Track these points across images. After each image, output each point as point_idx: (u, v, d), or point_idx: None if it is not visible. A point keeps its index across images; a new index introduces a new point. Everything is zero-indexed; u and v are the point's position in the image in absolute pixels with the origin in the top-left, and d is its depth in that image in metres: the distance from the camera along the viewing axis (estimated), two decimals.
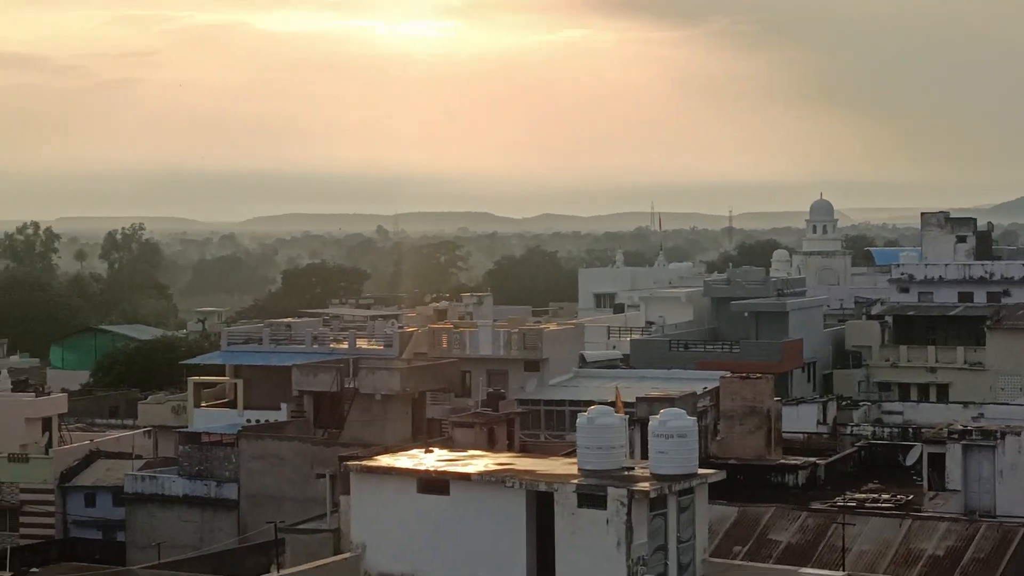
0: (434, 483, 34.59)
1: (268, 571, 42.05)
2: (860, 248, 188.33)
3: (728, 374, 54.93)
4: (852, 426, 60.78)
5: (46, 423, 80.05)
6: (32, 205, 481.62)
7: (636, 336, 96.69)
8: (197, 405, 77.20)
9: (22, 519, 72.23)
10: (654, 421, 34.33)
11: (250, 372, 77.27)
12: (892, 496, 45.97)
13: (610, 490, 31.99)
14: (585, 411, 34.89)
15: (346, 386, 69.61)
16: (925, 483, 46.60)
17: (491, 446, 45.68)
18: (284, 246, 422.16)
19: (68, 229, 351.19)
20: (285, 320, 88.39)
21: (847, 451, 53.89)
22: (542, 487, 32.97)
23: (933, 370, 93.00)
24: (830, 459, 51.85)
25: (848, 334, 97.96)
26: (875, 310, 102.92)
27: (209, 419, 73.83)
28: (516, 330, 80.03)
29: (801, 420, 60.64)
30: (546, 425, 73.56)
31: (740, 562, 38.64)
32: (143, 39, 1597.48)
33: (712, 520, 37.62)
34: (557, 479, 33.09)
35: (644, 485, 32.30)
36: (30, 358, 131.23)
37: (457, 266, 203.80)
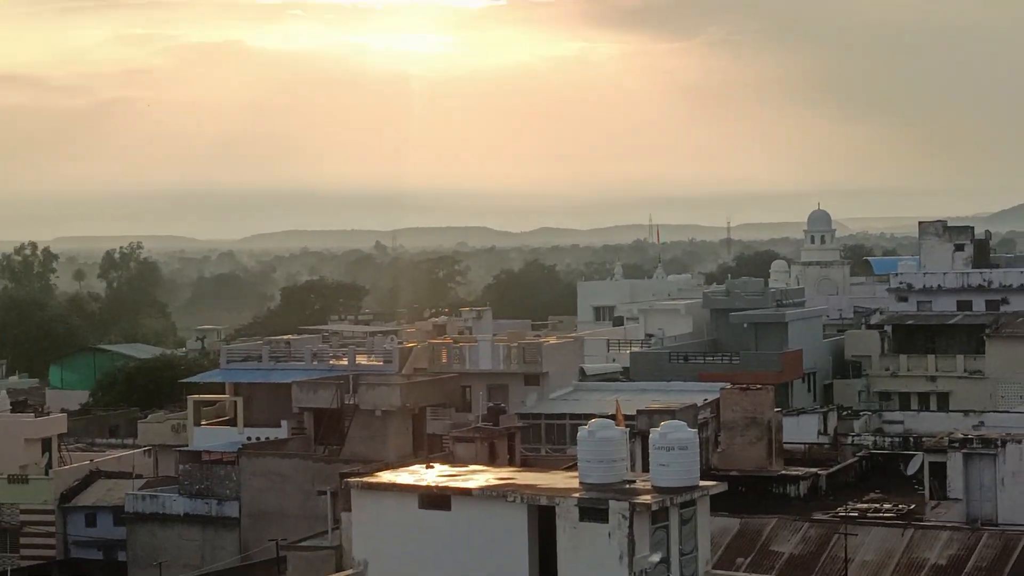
0: (435, 499, 34.56)
1: None
2: (858, 257, 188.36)
3: (728, 385, 54.91)
4: (853, 436, 60.78)
5: (46, 443, 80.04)
6: (30, 225, 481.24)
7: (636, 349, 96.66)
8: (197, 423, 77.15)
9: (23, 540, 72.12)
10: (655, 434, 34.32)
11: (250, 389, 77.20)
12: (894, 506, 45.95)
13: (612, 503, 31.97)
14: (586, 424, 34.89)
15: (346, 402, 69.53)
16: (927, 492, 46.54)
17: (492, 461, 45.67)
18: (282, 263, 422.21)
19: (66, 249, 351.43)
20: (284, 337, 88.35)
21: (848, 461, 53.87)
22: (544, 501, 32.94)
23: (933, 379, 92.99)
24: (831, 469, 51.83)
25: (848, 344, 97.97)
26: (874, 319, 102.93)
27: (209, 437, 73.76)
28: (516, 344, 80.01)
29: (802, 430, 60.61)
30: (547, 439, 73.52)
31: (743, 574, 38.63)
32: (140, 58, 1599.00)
33: (714, 532, 37.59)
34: (558, 493, 33.07)
35: (646, 498, 32.27)
36: (29, 378, 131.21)
37: (456, 281, 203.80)
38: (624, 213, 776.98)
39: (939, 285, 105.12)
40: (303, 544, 51.96)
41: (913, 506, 45.97)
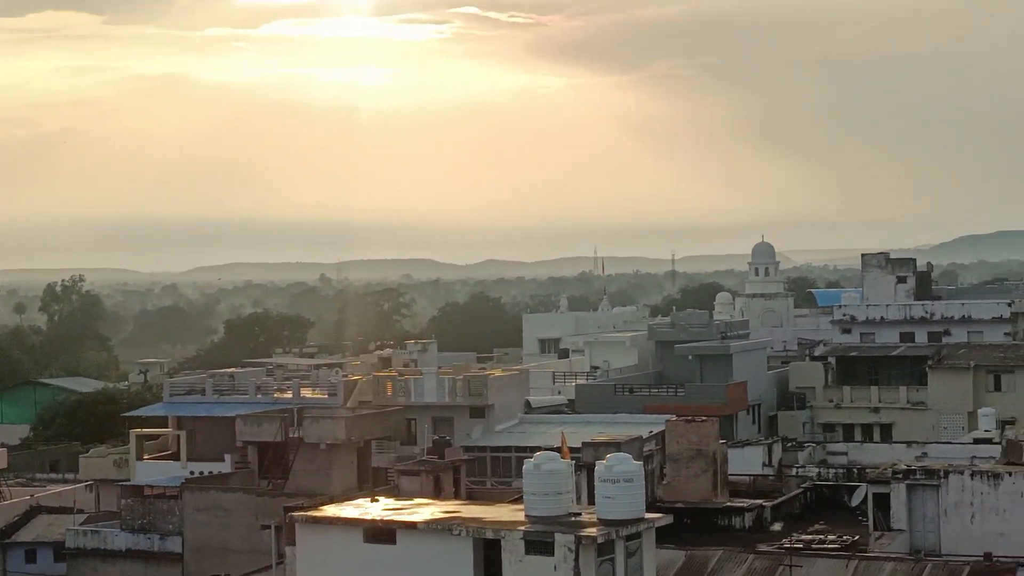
0: (380, 532, 34.43)
1: None
2: (802, 289, 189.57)
3: (673, 417, 54.94)
4: (798, 467, 60.91)
5: None
6: None
7: (581, 381, 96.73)
8: (140, 458, 76.48)
9: None
10: (600, 466, 34.34)
11: (193, 423, 76.66)
12: (838, 537, 46.07)
13: (557, 536, 31.94)
14: (531, 457, 34.88)
15: (291, 436, 69.19)
16: (871, 523, 46.71)
17: (437, 494, 45.48)
18: (226, 295, 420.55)
19: (7, 281, 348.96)
20: (228, 370, 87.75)
21: (793, 492, 53.99)
22: (489, 534, 32.87)
23: (876, 410, 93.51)
24: (776, 501, 51.93)
25: (792, 375, 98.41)
26: (818, 351, 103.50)
27: (152, 471, 73.15)
28: (461, 377, 79.86)
29: (747, 462, 60.71)
30: (492, 472, 73.35)
31: None
32: (84, 90, 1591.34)
33: (660, 564, 37.58)
34: (504, 526, 33.01)
35: (591, 531, 32.27)
36: None
37: (401, 313, 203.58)
38: (569, 245, 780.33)
39: (882, 317, 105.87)
40: None
41: (857, 537, 46.11)
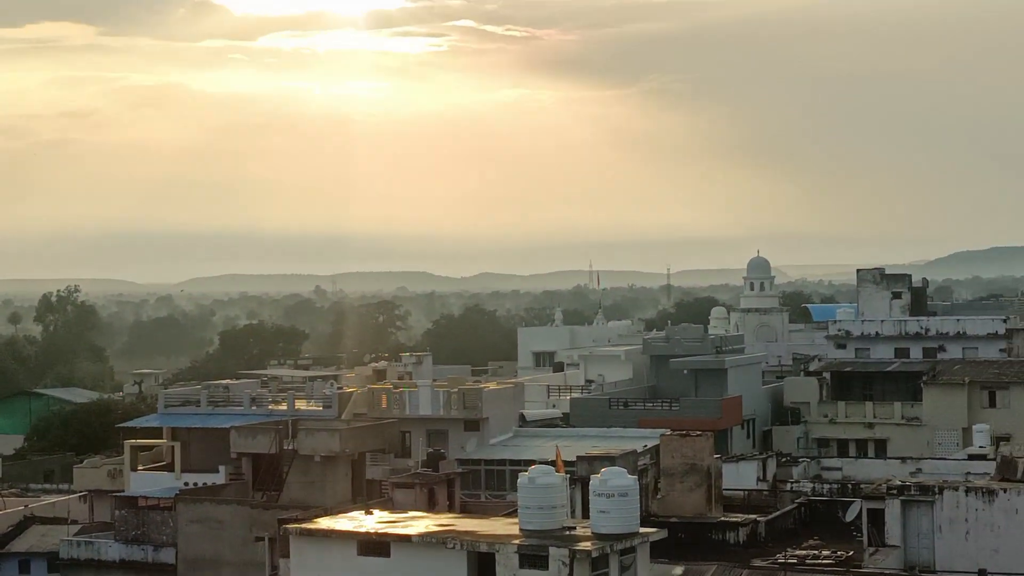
0: (375, 545, 34.40)
1: None
2: (797, 304, 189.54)
3: (668, 432, 54.95)
4: (792, 483, 60.89)
5: None
6: None
7: (576, 394, 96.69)
8: (134, 469, 76.43)
9: None
10: (595, 480, 34.34)
11: (187, 435, 76.62)
12: (832, 552, 46.06)
13: (552, 550, 31.93)
14: (526, 471, 34.87)
15: (285, 448, 69.08)
16: (865, 539, 46.72)
17: (431, 507, 45.46)
18: (221, 307, 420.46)
19: (2, 292, 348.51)
20: (223, 382, 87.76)
21: (787, 508, 53.98)
22: (483, 548, 32.85)
23: (871, 426, 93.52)
24: (770, 516, 51.92)
25: (786, 390, 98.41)
26: (813, 366, 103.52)
27: (146, 483, 73.11)
28: (456, 390, 79.83)
29: (741, 477, 60.69)
30: (487, 485, 73.30)
31: None
32: (79, 100, 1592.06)
33: None
34: (498, 540, 32.99)
35: (586, 544, 32.26)
36: None
37: (396, 326, 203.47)
38: (564, 259, 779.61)
39: (877, 332, 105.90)
40: None
41: (851, 553, 46.11)
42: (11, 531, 72.10)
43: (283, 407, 77.21)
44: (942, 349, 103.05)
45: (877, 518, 46.16)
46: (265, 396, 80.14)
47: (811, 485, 59.85)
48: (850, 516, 50.82)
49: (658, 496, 51.95)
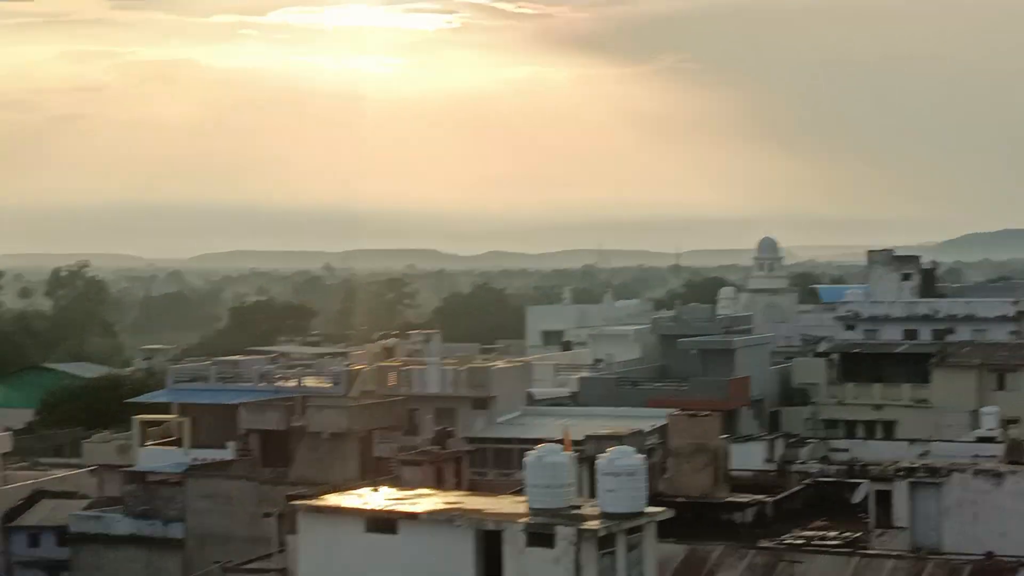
0: (382, 522, 34.49)
1: None
2: (806, 285, 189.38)
3: (676, 411, 54.99)
4: (799, 463, 60.96)
5: None
6: None
7: (584, 374, 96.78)
8: (143, 444, 76.60)
9: None
10: (602, 459, 34.39)
11: (197, 410, 76.76)
12: (839, 534, 46.10)
13: (559, 529, 32.00)
14: (534, 449, 34.92)
15: (293, 424, 69.29)
16: (872, 520, 46.71)
17: (439, 485, 45.55)
18: (231, 283, 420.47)
19: (13, 266, 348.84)
20: (232, 358, 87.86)
21: (794, 489, 53.99)
22: (490, 526, 32.93)
23: (879, 407, 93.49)
24: (778, 497, 51.93)
25: (795, 371, 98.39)
26: (821, 347, 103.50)
27: (155, 458, 73.26)
28: (464, 368, 79.96)
29: (749, 457, 60.74)
30: (494, 463, 73.38)
31: None
32: (90, 75, 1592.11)
33: (660, 559, 37.62)
34: (505, 518, 33.06)
35: (593, 524, 32.33)
36: None
37: (405, 303, 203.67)
38: (574, 238, 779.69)
39: (886, 314, 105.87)
40: (248, 567, 51.69)
41: (859, 534, 46.14)
42: (21, 505, 72.36)
43: (292, 384, 77.35)
44: (951, 331, 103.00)
45: (884, 500, 46.15)
46: (274, 373, 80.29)
47: (819, 466, 59.93)
48: (857, 497, 50.83)
49: (665, 476, 52.01)
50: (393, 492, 37.76)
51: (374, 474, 61.64)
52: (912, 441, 70.02)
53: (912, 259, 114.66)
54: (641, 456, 35.28)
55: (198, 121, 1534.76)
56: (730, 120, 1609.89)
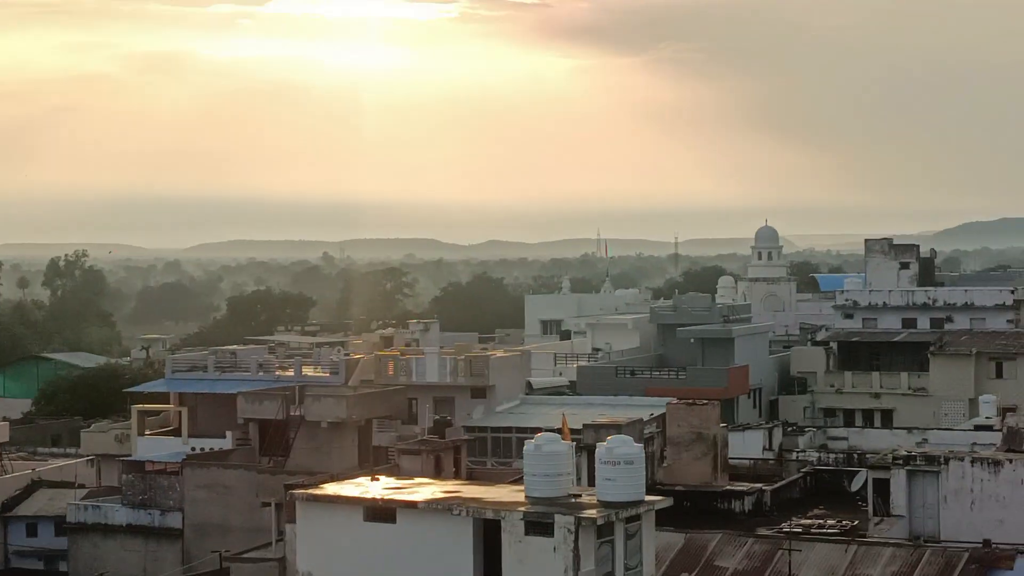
0: (380, 511, 34.49)
1: None
2: (805, 274, 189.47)
3: (674, 400, 55.04)
4: (798, 452, 61.00)
5: None
6: None
7: (583, 363, 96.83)
8: (141, 433, 76.60)
9: None
10: (601, 448, 34.37)
11: (195, 400, 76.76)
12: (838, 522, 46.16)
13: (557, 517, 31.99)
14: (532, 438, 34.91)
15: (292, 414, 69.24)
16: (870, 509, 46.79)
17: (438, 474, 45.56)
18: (229, 273, 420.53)
19: (10, 256, 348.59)
20: (230, 347, 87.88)
21: (793, 477, 54.09)
22: (489, 515, 32.93)
23: (877, 396, 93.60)
24: (776, 485, 52.01)
25: (793, 360, 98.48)
26: (820, 336, 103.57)
27: (153, 447, 73.25)
28: (463, 357, 79.94)
29: (747, 446, 60.83)
30: (493, 452, 73.47)
31: None
32: (87, 65, 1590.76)
33: (659, 547, 37.66)
34: (504, 507, 33.06)
35: (591, 512, 32.32)
36: None
37: (403, 293, 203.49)
38: (572, 227, 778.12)
39: (884, 303, 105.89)
40: (246, 556, 51.69)
41: (857, 522, 46.20)
42: (19, 495, 72.38)
43: (290, 373, 77.31)
44: (949, 320, 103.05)
45: (883, 488, 46.23)
46: (272, 362, 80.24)
47: (817, 455, 59.97)
48: (856, 486, 50.88)
49: (664, 464, 52.06)
50: (392, 481, 37.76)
51: (373, 463, 61.65)
52: (910, 429, 70.13)
53: (910, 248, 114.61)
54: (640, 445, 35.26)
55: (196, 112, 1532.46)
56: (730, 110, 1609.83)
